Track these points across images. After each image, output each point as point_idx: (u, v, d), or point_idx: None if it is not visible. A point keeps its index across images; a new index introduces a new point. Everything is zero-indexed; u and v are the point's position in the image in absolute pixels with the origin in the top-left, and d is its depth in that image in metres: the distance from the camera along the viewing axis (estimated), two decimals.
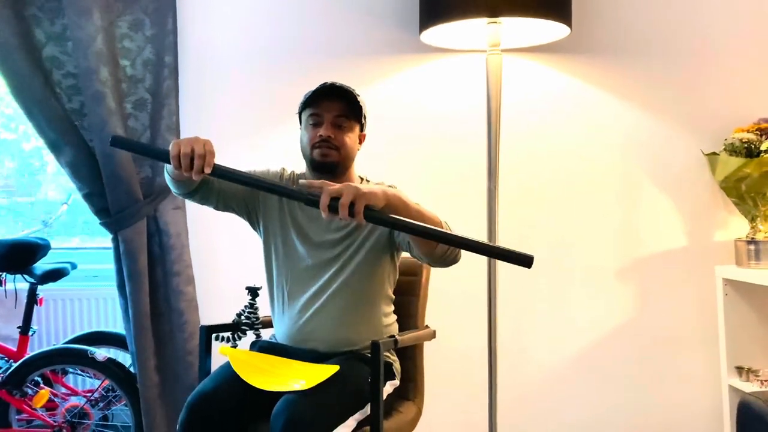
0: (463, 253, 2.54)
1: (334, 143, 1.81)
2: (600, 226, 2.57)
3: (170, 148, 1.59)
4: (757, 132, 2.39)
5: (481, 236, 2.43)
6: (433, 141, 2.56)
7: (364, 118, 1.88)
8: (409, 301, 2.06)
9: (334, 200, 1.47)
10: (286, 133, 2.51)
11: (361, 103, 1.84)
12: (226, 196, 1.89)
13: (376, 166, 2.32)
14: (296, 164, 1.96)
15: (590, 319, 2.58)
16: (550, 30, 2.29)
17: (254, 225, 1.97)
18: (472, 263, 2.51)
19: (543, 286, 2.57)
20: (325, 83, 1.83)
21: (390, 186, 1.89)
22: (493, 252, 1.46)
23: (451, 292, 2.50)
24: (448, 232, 1.48)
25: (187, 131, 2.49)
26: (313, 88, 1.84)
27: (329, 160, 1.82)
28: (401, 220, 1.49)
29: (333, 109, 1.81)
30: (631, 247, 2.57)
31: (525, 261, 1.45)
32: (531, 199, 2.57)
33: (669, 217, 2.57)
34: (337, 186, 1.49)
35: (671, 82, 2.56)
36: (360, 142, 1.91)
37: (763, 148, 2.33)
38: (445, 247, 1.65)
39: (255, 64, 2.54)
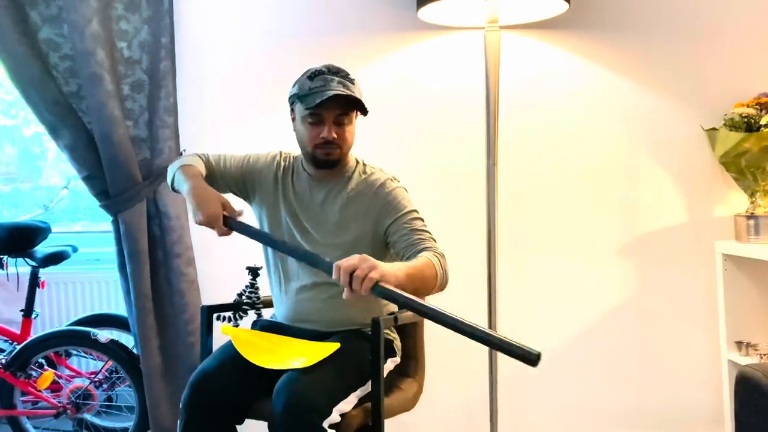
0: (462, 230, 2.55)
1: (337, 142, 1.80)
2: (600, 203, 2.57)
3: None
4: (757, 107, 2.38)
5: (480, 214, 2.43)
6: (431, 118, 2.55)
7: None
8: None
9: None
10: (283, 114, 2.48)
11: (360, 96, 1.79)
12: (221, 186, 1.91)
13: (374, 144, 2.31)
14: (293, 146, 1.95)
15: (590, 296, 2.58)
16: (548, 5, 2.28)
17: (251, 205, 1.98)
18: (471, 242, 2.51)
19: (543, 264, 2.57)
20: (321, 83, 1.75)
21: (392, 179, 1.88)
22: (495, 344, 1.35)
23: (452, 270, 2.49)
24: (454, 317, 1.40)
25: (184, 112, 2.49)
26: (306, 73, 1.79)
27: (332, 158, 1.82)
28: (404, 299, 1.47)
29: (335, 108, 1.77)
30: (631, 224, 2.57)
31: (529, 359, 1.31)
32: (530, 176, 2.56)
33: (669, 193, 2.57)
34: (352, 261, 1.49)
35: (671, 58, 2.55)
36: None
37: (762, 122, 2.32)
38: (440, 280, 1.68)
39: (252, 45, 2.53)
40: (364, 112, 1.82)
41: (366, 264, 1.48)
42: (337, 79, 1.77)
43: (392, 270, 1.53)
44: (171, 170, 1.90)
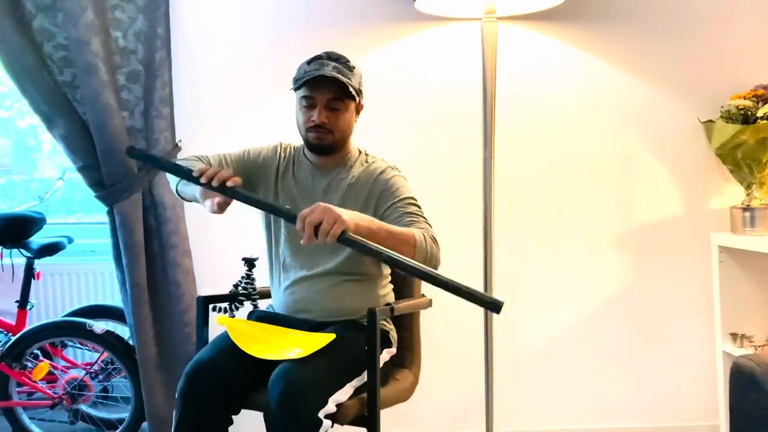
0: (460, 224, 2.55)
1: (327, 127, 1.80)
2: (596, 195, 2.57)
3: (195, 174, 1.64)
4: (754, 99, 2.38)
5: (477, 206, 2.43)
6: (428, 109, 2.55)
7: (360, 92, 1.86)
8: None
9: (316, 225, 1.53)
10: (280, 103, 2.49)
11: (354, 86, 1.79)
12: None
13: (371, 135, 2.30)
14: (292, 135, 1.95)
15: (587, 287, 2.59)
16: None
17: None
18: (468, 232, 2.51)
19: (539, 255, 2.58)
20: (316, 67, 1.76)
21: (393, 167, 1.89)
22: (459, 291, 1.46)
23: (448, 261, 2.50)
24: (411, 263, 1.52)
25: (180, 103, 2.48)
26: (307, 59, 1.81)
27: (324, 143, 1.83)
28: (367, 245, 1.53)
29: (326, 92, 1.78)
30: (628, 215, 2.58)
31: (493, 306, 1.46)
32: (526, 168, 2.56)
33: (665, 185, 2.57)
34: (316, 215, 1.53)
35: (668, 50, 2.54)
36: (357, 113, 1.89)
37: (759, 114, 2.32)
38: (422, 256, 1.68)
39: (248, 35, 2.52)
40: (352, 97, 1.81)
41: (330, 217, 1.52)
42: (333, 64, 1.77)
43: (355, 219, 1.58)
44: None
